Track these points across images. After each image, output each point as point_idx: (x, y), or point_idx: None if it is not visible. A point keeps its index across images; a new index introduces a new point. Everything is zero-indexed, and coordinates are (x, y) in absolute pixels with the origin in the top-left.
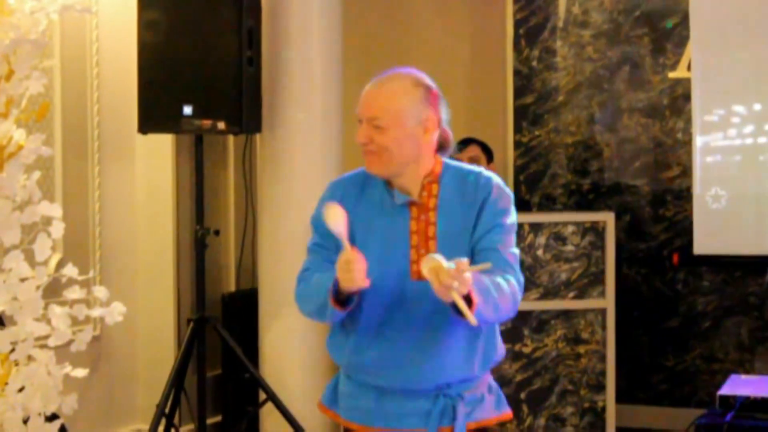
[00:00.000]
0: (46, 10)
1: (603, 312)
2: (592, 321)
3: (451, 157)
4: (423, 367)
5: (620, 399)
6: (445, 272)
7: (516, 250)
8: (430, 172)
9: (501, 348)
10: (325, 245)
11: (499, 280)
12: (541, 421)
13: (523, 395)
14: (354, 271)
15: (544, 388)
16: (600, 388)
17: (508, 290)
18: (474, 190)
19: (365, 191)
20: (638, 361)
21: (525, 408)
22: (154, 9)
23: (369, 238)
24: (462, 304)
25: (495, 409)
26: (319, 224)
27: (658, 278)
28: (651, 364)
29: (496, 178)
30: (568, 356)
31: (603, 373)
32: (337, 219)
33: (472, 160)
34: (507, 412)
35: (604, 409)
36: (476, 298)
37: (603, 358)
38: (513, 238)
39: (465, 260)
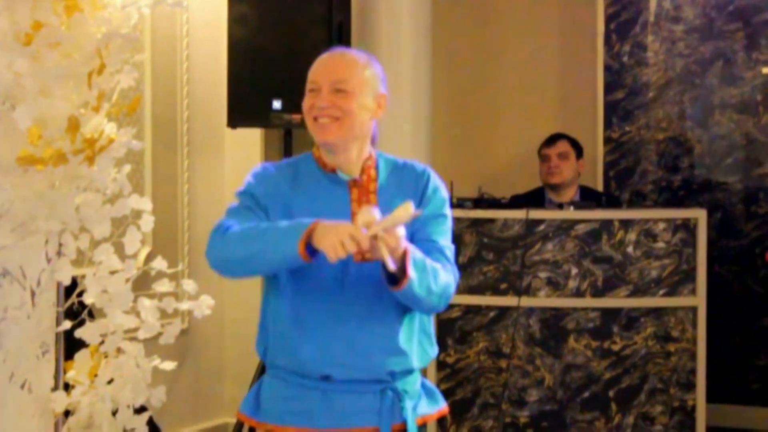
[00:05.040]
0: (138, 4)
1: (694, 310)
2: (682, 319)
3: (539, 152)
4: (369, 352)
5: (711, 398)
6: (376, 225)
7: (452, 245)
8: (369, 156)
9: (435, 346)
10: (255, 210)
11: (438, 267)
12: (630, 420)
13: (611, 393)
14: (346, 251)
15: (633, 386)
16: (690, 386)
17: (443, 280)
18: (412, 178)
19: (298, 177)
20: (729, 360)
21: (614, 406)
22: (244, 4)
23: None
24: (385, 253)
25: (433, 404)
26: (251, 197)
27: (749, 276)
28: (742, 364)
29: (430, 169)
30: (658, 354)
31: (693, 372)
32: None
33: (562, 156)
34: (444, 407)
35: (694, 408)
36: (410, 272)
37: (693, 357)
38: (450, 230)
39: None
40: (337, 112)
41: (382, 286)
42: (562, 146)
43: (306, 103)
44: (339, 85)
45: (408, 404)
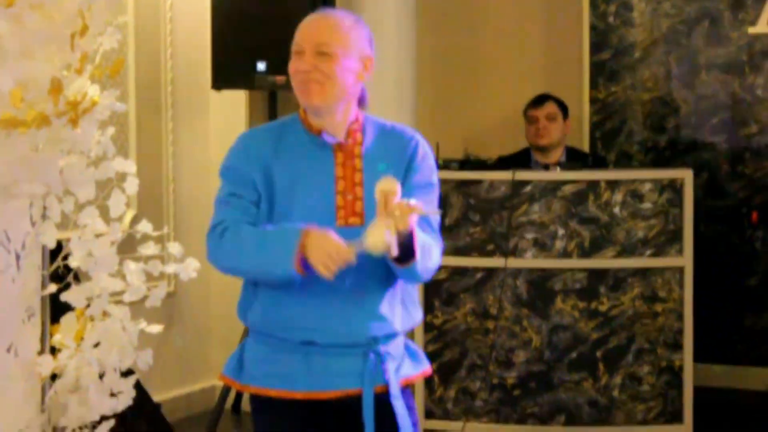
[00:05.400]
0: None
1: (681, 270)
2: (669, 279)
3: (526, 113)
4: (352, 317)
5: (698, 358)
6: (396, 201)
7: (438, 215)
8: (355, 119)
9: (420, 310)
10: (242, 195)
11: (433, 244)
12: (617, 380)
13: (599, 353)
14: (336, 268)
15: (620, 346)
16: (677, 347)
17: (435, 257)
18: (399, 144)
19: (282, 141)
20: (716, 320)
21: (601, 366)
22: None
23: (294, 184)
24: (390, 237)
25: (416, 365)
26: (234, 174)
27: (736, 236)
28: (729, 324)
29: (419, 135)
30: (645, 314)
31: (680, 332)
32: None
33: (550, 118)
34: (427, 368)
35: (681, 368)
36: (417, 254)
37: (680, 317)
38: (437, 198)
39: (419, 203)
40: (320, 75)
41: (364, 254)
42: (550, 108)
43: (291, 66)
44: (322, 47)
45: (390, 366)
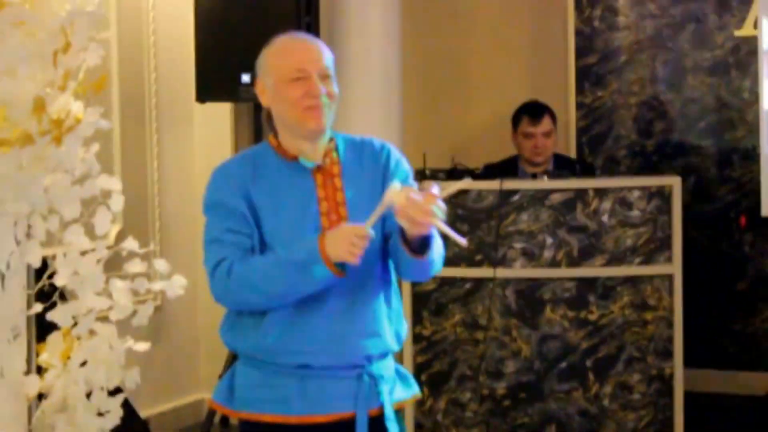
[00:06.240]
0: None
1: (670, 278)
2: (659, 287)
3: (517, 123)
4: (344, 337)
5: (689, 364)
6: (417, 197)
7: None
8: (330, 139)
9: (405, 325)
10: (238, 230)
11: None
12: (608, 389)
13: (588, 363)
14: (361, 248)
15: (610, 355)
16: (667, 354)
17: (441, 248)
18: (372, 154)
19: (258, 170)
20: (705, 324)
21: (591, 376)
22: None
23: (277, 211)
24: (446, 228)
25: (407, 389)
26: (222, 209)
27: (725, 241)
28: (718, 328)
29: (389, 144)
30: (635, 323)
31: (670, 340)
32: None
33: (546, 135)
34: (417, 392)
35: (671, 376)
36: (434, 245)
37: (670, 325)
38: None
39: (435, 187)
40: (329, 99)
41: (356, 269)
42: (547, 125)
43: (293, 92)
44: (326, 71)
45: (384, 389)
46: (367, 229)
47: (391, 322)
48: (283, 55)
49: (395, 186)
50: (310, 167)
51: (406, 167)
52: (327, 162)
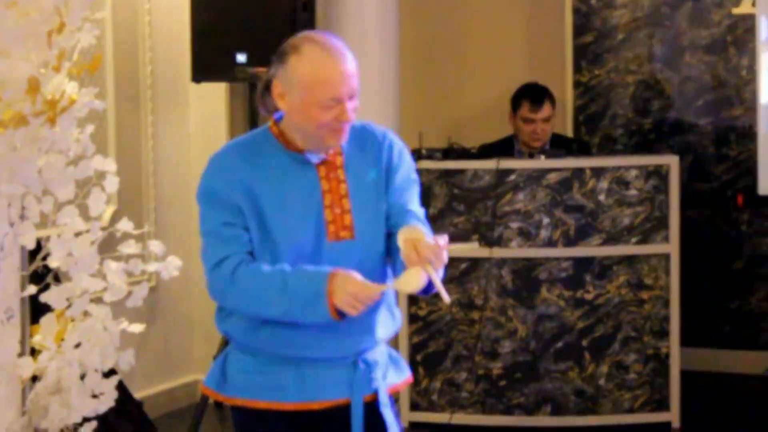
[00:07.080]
0: None
1: (667, 257)
2: (655, 266)
3: (517, 107)
4: (343, 332)
5: (685, 342)
6: (425, 245)
7: (421, 208)
8: None
9: (398, 317)
10: (234, 222)
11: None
12: (604, 369)
13: (585, 343)
14: (367, 307)
15: (606, 335)
16: (664, 334)
17: None
18: (373, 143)
19: (258, 158)
20: (702, 303)
21: (587, 356)
22: None
23: (281, 204)
24: (437, 281)
25: (399, 373)
26: (218, 200)
27: (721, 219)
28: (715, 307)
29: (390, 132)
30: (631, 302)
31: (667, 319)
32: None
33: (546, 121)
34: (409, 376)
35: (668, 355)
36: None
37: (667, 304)
38: (418, 194)
39: (445, 238)
40: (354, 113)
41: (356, 269)
42: (547, 110)
43: (323, 116)
44: (355, 91)
45: (378, 374)
46: (381, 293)
47: (386, 313)
48: (316, 80)
49: (412, 230)
50: (314, 161)
51: (409, 157)
52: (330, 154)
